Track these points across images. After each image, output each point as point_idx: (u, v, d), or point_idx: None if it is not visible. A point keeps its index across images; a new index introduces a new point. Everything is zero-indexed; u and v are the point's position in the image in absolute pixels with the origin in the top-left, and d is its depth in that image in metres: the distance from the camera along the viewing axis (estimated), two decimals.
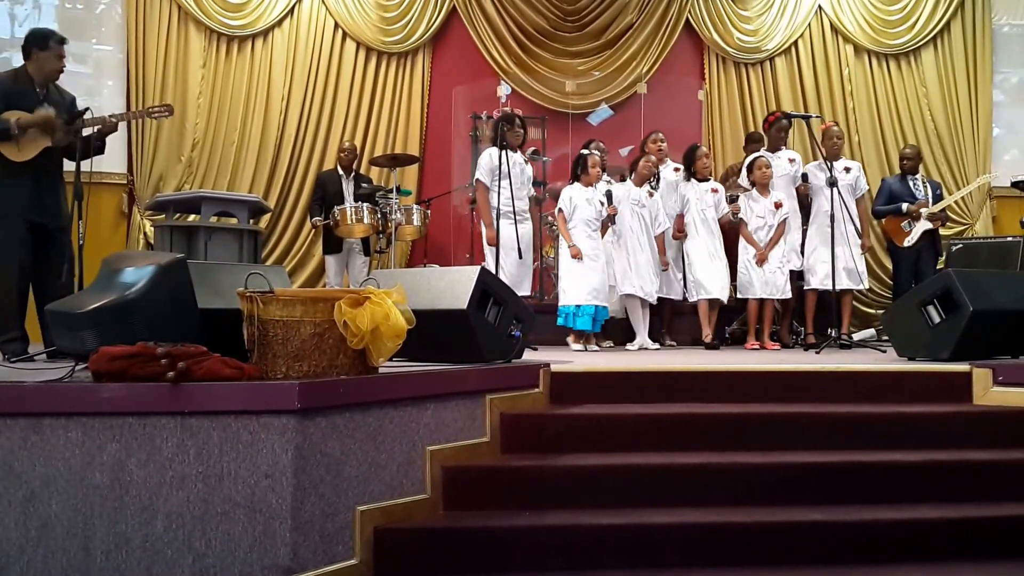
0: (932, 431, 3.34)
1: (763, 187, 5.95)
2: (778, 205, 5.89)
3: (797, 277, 6.11)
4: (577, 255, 5.46)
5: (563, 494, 2.98)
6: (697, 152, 6.12)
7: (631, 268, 5.76)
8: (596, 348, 5.58)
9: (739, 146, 7.55)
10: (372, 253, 6.83)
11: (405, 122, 7.71)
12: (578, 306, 5.43)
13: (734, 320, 6.65)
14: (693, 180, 6.09)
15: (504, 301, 3.63)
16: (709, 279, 5.89)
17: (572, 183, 5.71)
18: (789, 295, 5.94)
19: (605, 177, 5.96)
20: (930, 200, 6.51)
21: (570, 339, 5.60)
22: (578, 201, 5.57)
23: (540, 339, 5.58)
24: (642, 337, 5.80)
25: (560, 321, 5.52)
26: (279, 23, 7.55)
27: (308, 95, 7.55)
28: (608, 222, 5.67)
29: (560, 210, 5.64)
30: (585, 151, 5.77)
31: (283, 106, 7.50)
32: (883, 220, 6.72)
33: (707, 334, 5.91)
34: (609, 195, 5.65)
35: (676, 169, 6.26)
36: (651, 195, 5.94)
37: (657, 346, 5.89)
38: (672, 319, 6.37)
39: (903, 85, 8.09)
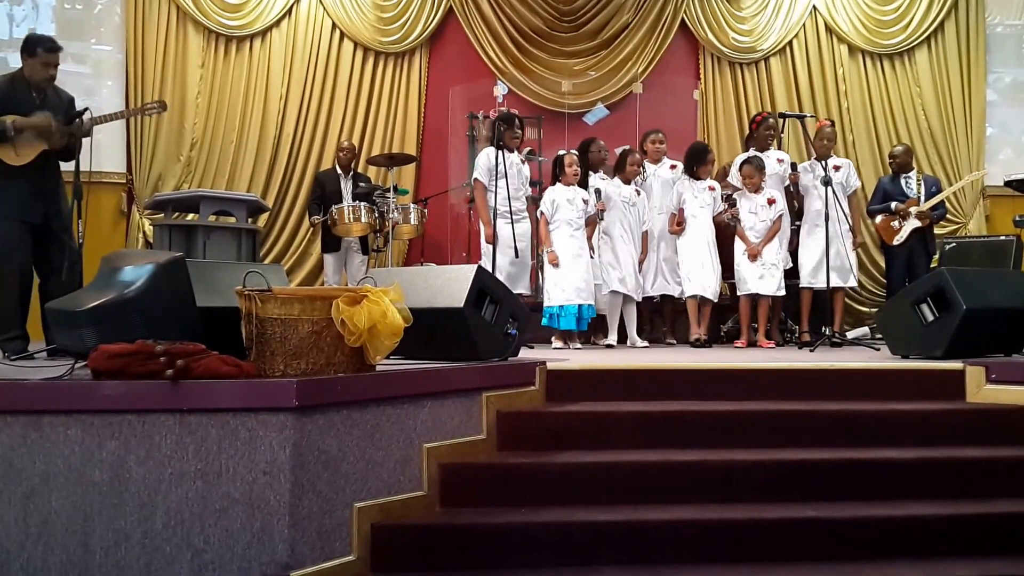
0: (926, 429, 3.36)
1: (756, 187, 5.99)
2: (771, 201, 5.92)
3: (790, 276, 6.13)
4: (554, 261, 5.52)
5: (559, 491, 2.99)
6: (708, 156, 6.14)
7: (618, 265, 5.81)
8: (579, 347, 5.61)
9: (734, 145, 7.57)
10: (370, 252, 6.85)
11: (402, 122, 7.72)
12: (561, 306, 5.46)
13: (728, 318, 6.68)
14: (688, 177, 6.10)
15: (500, 299, 3.64)
16: (699, 277, 5.89)
17: (553, 184, 5.76)
18: (782, 292, 5.96)
19: (600, 175, 6.00)
20: (922, 198, 6.53)
21: (553, 338, 5.61)
22: (560, 201, 5.63)
23: (537, 337, 5.60)
24: (631, 335, 5.87)
25: (544, 321, 5.55)
26: (277, 23, 7.56)
27: (306, 95, 7.56)
28: (597, 219, 5.70)
29: (542, 212, 5.69)
30: (562, 151, 5.82)
31: (281, 106, 7.51)
32: (875, 219, 6.76)
33: (695, 332, 5.90)
34: (598, 192, 5.68)
35: (672, 167, 6.29)
36: (639, 193, 5.98)
37: (645, 344, 5.93)
38: (675, 317, 6.38)
39: (897, 85, 8.09)
